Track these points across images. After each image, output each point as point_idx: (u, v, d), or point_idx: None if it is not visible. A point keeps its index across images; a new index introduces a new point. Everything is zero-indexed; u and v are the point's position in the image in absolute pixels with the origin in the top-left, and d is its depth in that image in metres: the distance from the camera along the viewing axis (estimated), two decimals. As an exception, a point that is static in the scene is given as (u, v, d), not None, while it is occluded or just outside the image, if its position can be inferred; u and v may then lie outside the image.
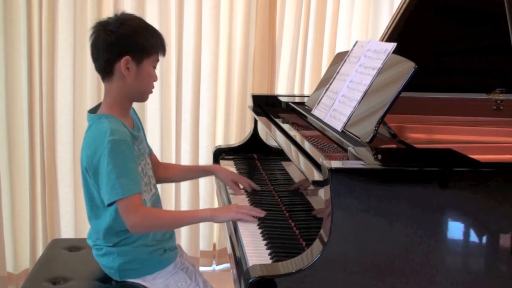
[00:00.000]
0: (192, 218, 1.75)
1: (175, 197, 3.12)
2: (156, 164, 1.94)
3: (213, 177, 2.15)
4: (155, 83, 1.73)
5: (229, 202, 1.91)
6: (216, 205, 3.00)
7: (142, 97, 1.74)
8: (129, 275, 1.73)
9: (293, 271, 1.25)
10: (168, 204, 3.11)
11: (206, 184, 3.19)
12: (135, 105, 1.79)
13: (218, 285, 3.07)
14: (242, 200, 1.93)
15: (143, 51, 1.65)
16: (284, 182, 1.96)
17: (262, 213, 1.69)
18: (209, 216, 1.69)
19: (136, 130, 1.76)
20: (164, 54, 1.72)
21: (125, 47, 1.63)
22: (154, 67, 1.71)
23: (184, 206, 3.16)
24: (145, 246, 1.72)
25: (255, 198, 1.91)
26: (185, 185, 3.14)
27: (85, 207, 1.76)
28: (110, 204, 1.61)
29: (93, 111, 1.73)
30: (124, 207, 1.60)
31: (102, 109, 1.70)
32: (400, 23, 2.23)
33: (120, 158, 1.60)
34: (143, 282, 1.73)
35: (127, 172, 1.60)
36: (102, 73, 1.68)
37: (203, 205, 3.19)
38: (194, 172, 2.15)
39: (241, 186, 1.99)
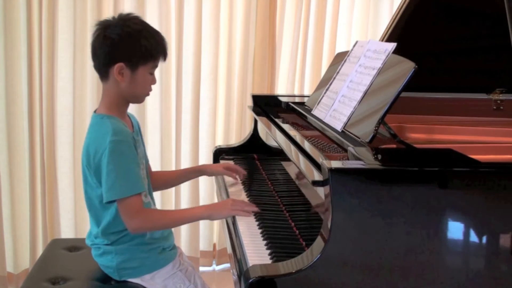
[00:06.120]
0: (189, 218, 1.80)
1: (175, 197, 3.11)
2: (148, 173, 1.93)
3: (213, 178, 2.15)
4: (155, 84, 1.73)
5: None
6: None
7: (138, 100, 1.74)
8: (128, 274, 1.73)
9: (293, 271, 1.25)
10: (168, 204, 3.11)
11: (206, 184, 3.19)
12: (134, 105, 1.79)
13: (218, 285, 3.08)
14: (242, 197, 1.94)
15: (138, 58, 1.64)
16: (284, 182, 1.96)
17: (256, 208, 1.72)
18: (205, 215, 1.74)
19: (136, 134, 1.76)
20: (165, 59, 1.70)
21: (119, 54, 1.62)
22: (151, 73, 1.69)
23: (184, 206, 3.15)
24: (143, 245, 1.73)
25: (255, 198, 1.91)
26: (185, 186, 3.13)
27: (85, 207, 1.77)
28: (108, 203, 1.63)
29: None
30: (124, 209, 1.62)
31: (101, 109, 1.71)
32: (400, 23, 2.23)
33: (120, 159, 1.61)
34: (141, 282, 1.73)
35: (127, 173, 1.61)
36: (99, 74, 1.69)
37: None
38: (185, 175, 2.13)
39: (237, 178, 2.05)
